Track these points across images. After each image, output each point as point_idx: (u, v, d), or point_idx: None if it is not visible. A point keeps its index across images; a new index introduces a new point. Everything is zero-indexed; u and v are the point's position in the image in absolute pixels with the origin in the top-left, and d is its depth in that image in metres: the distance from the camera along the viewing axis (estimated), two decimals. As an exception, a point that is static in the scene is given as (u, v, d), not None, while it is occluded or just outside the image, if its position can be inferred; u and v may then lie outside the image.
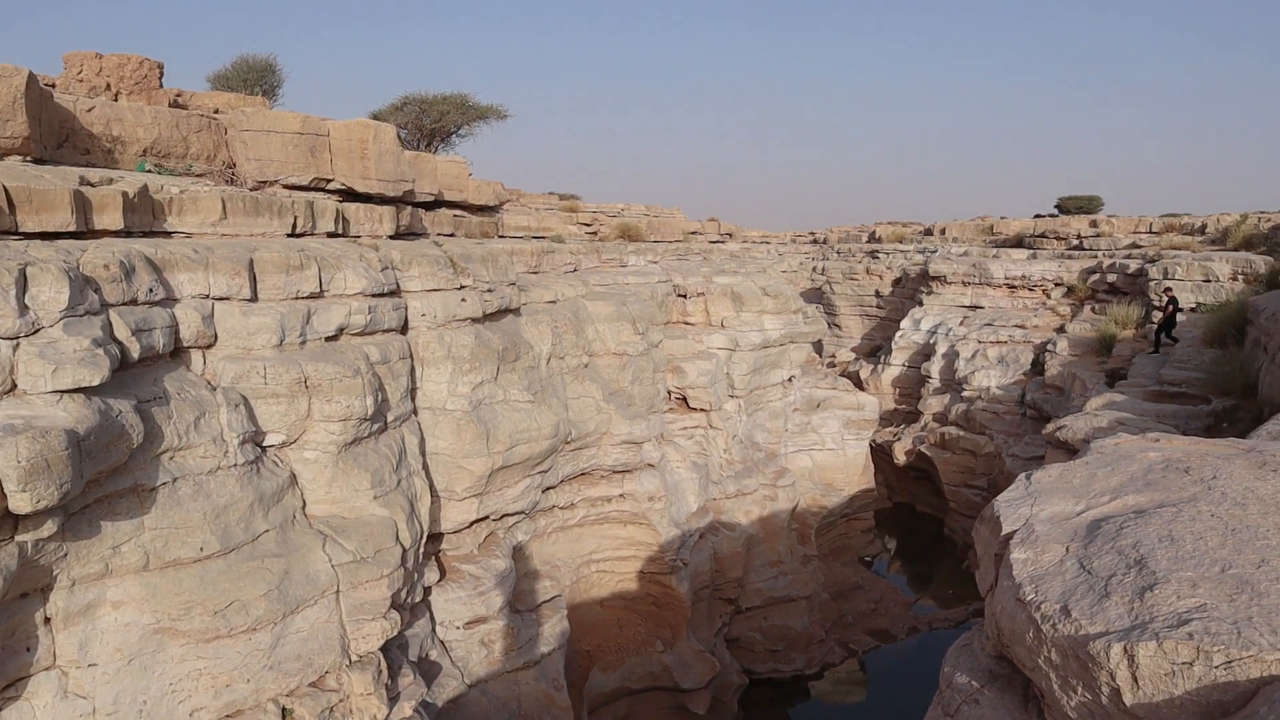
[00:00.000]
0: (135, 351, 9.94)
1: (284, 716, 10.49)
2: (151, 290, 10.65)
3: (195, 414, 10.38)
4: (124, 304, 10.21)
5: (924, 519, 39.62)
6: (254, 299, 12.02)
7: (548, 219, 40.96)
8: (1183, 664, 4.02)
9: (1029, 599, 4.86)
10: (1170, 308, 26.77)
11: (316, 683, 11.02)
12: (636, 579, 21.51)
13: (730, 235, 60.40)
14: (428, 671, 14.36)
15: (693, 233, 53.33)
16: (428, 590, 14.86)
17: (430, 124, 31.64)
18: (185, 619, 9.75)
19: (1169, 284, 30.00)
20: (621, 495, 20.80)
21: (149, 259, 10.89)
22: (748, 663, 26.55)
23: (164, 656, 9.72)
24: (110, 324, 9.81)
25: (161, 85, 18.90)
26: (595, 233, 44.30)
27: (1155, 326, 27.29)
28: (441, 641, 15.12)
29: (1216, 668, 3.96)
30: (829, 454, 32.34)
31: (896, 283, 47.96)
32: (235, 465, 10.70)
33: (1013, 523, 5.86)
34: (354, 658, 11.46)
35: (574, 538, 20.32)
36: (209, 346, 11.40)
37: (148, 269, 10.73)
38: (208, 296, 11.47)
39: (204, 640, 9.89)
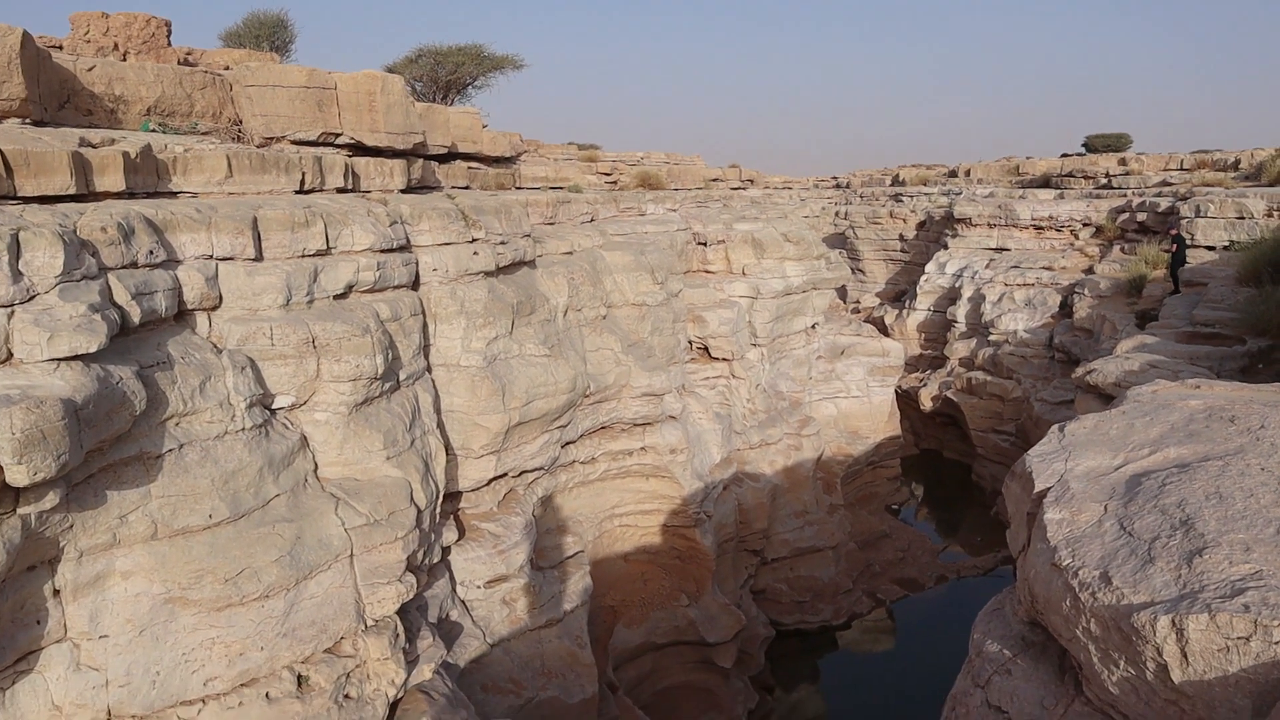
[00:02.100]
0: (136, 316, 9.68)
1: (300, 684, 10.34)
2: (152, 252, 10.36)
3: (201, 378, 10.12)
4: (123, 267, 9.92)
5: (951, 465, 39.25)
6: (259, 258, 11.72)
7: (566, 169, 40.41)
8: (1238, 639, 3.68)
9: (1065, 564, 4.52)
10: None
11: (332, 649, 10.86)
12: (660, 533, 21.32)
13: (751, 182, 59.55)
14: (448, 632, 14.23)
15: (714, 180, 52.57)
16: (446, 550, 14.67)
17: (445, 76, 31.13)
18: (196, 588, 9.57)
19: (1184, 222, 29.41)
20: (643, 448, 20.55)
21: (149, 220, 10.59)
22: (774, 614, 26.41)
23: (176, 626, 9.55)
24: (109, 288, 9.53)
25: (170, 43, 18.51)
26: (615, 182, 43.68)
27: (1168, 267, 26.93)
28: (462, 601, 14.98)
29: (1277, 643, 3.63)
30: (854, 401, 31.95)
31: (921, 226, 47.19)
32: (243, 429, 10.46)
33: (1046, 479, 5.51)
34: (370, 622, 11.28)
35: (595, 492, 20.10)
36: (214, 308, 11.12)
37: (148, 231, 10.43)
38: (211, 257, 11.17)
39: (216, 609, 9.71)
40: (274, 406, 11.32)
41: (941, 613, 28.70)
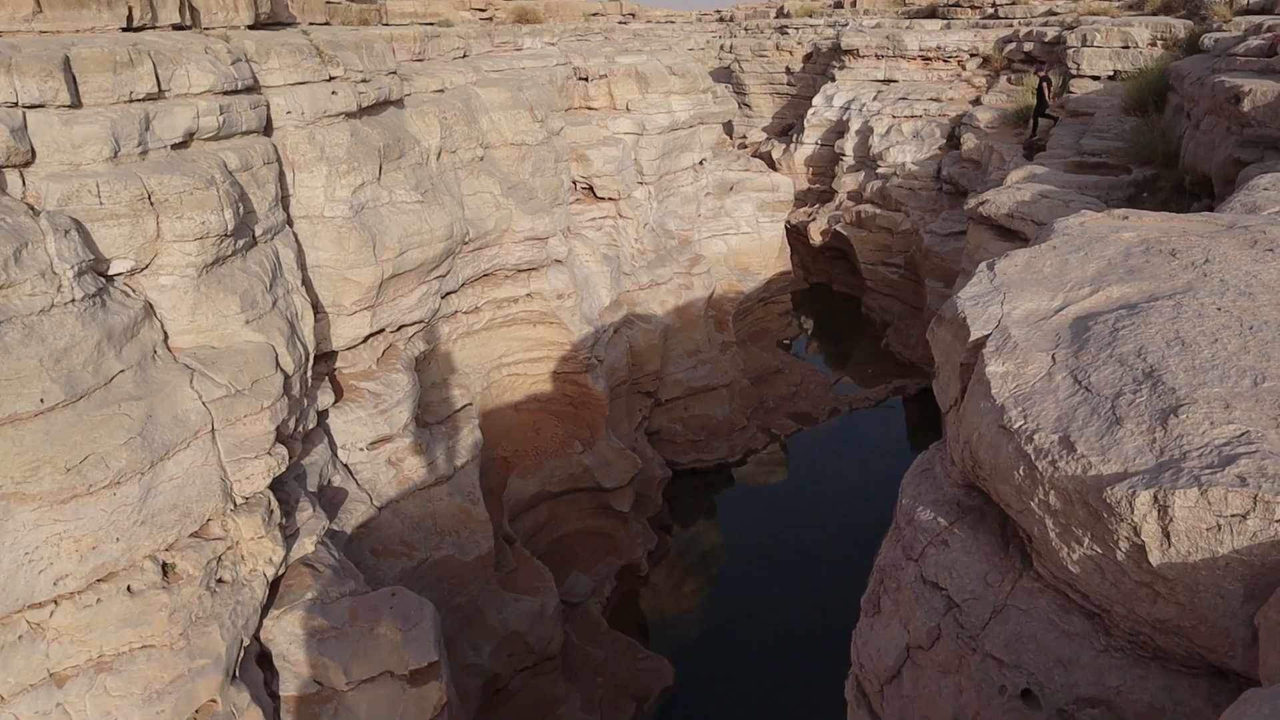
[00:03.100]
0: (-74, 174, 8.32)
1: (165, 573, 9.51)
2: (-60, 99, 8.89)
3: (15, 245, 8.81)
4: (-95, 117, 8.48)
5: (841, 299, 39.32)
6: (77, 104, 10.24)
7: (436, 4, 37.85)
8: (1233, 516, 3.11)
9: (1016, 426, 3.92)
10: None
11: (199, 533, 10.00)
12: (551, 380, 20.70)
13: (633, 16, 57.26)
14: (331, 499, 13.47)
15: (594, 14, 50.28)
16: (324, 414, 13.76)
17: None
18: (33, 481, 8.53)
19: (1071, 52, 29.11)
20: (528, 295, 19.67)
21: (-66, 61, 9.07)
22: (670, 455, 26.30)
23: (14, 525, 8.52)
24: (-111, 142, 8.13)
25: None
26: (490, 18, 41.27)
27: (1044, 104, 26.60)
28: (345, 465, 14.19)
29: (1278, 520, 3.10)
30: (744, 238, 31.43)
31: (807, 58, 45.94)
32: (73, 300, 9.23)
33: (982, 326, 4.87)
34: (239, 500, 10.42)
35: (481, 342, 19.27)
36: (26, 165, 9.67)
37: (-67, 73, 8.93)
38: (16, 105, 9.66)
39: (59, 502, 8.71)
40: (110, 273, 10.07)
41: (834, 444, 29.10)
